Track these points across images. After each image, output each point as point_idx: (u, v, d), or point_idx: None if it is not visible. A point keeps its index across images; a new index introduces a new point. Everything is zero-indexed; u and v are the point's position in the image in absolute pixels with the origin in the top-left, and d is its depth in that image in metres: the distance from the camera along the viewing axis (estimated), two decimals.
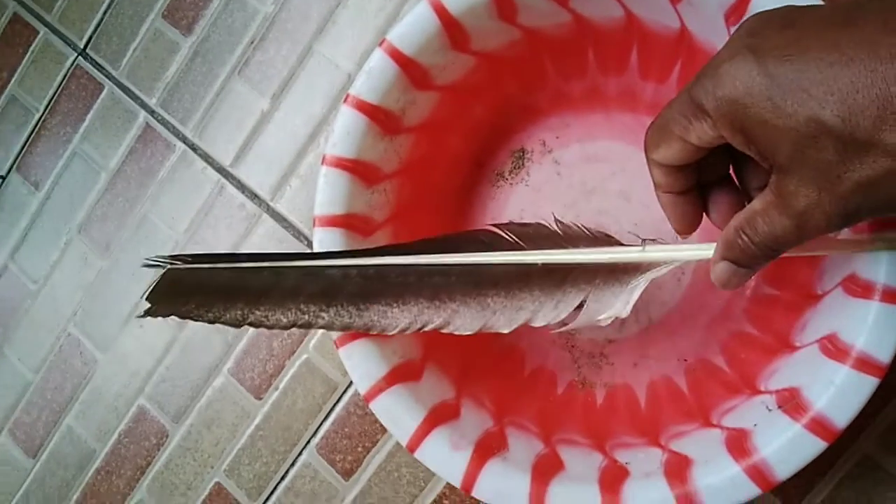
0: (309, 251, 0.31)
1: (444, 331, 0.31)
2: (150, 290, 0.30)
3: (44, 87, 0.52)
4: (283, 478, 0.45)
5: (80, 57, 0.52)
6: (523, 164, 0.40)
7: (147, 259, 0.29)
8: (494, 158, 0.41)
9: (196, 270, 0.30)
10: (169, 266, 0.30)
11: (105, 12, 0.51)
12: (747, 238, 0.23)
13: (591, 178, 0.39)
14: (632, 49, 0.36)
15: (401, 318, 0.31)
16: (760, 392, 0.31)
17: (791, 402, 0.28)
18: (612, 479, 0.30)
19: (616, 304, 0.31)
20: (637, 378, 0.37)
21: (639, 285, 0.30)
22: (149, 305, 0.30)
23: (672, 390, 0.36)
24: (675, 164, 0.26)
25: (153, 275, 0.30)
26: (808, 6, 0.22)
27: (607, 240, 0.31)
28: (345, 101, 0.33)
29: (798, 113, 0.20)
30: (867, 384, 0.27)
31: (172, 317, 0.29)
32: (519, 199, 0.40)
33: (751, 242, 0.23)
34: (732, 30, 0.31)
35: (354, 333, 0.32)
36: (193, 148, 0.48)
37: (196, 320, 0.30)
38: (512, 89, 0.39)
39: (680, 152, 0.25)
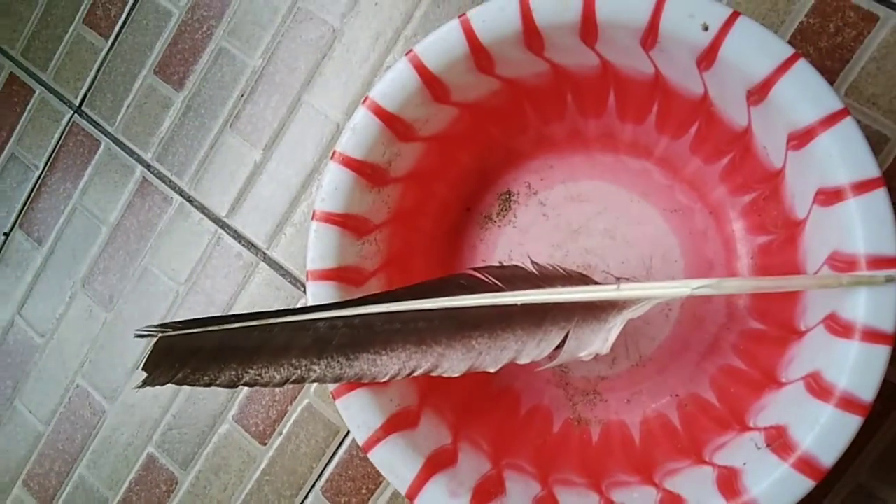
0: (295, 307, 0.32)
1: (434, 374, 0.32)
2: (144, 360, 0.30)
3: (42, 144, 0.54)
4: None
5: (76, 114, 0.53)
6: (510, 207, 0.41)
7: (138, 330, 0.30)
8: (482, 202, 0.41)
9: (187, 336, 0.31)
10: (160, 335, 0.31)
11: (98, 70, 0.52)
12: None
13: (576, 218, 0.39)
14: (609, 93, 0.36)
15: (390, 364, 0.32)
16: (750, 429, 0.32)
17: (778, 441, 0.29)
18: None
19: (596, 342, 0.31)
20: (631, 414, 0.38)
21: (616, 324, 0.31)
22: (146, 376, 0.30)
23: (665, 426, 0.36)
24: None
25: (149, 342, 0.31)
26: None
27: (582, 279, 0.32)
28: (332, 157, 0.34)
29: None
30: (852, 423, 0.27)
31: (169, 385, 0.30)
32: (507, 241, 0.41)
33: None
34: (705, 75, 0.31)
35: (350, 384, 0.33)
36: (190, 200, 0.49)
37: (192, 385, 0.31)
38: (495, 135, 0.39)
39: None
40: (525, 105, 0.38)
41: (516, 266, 0.33)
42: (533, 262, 0.33)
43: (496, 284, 0.32)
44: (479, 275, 0.32)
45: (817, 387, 0.28)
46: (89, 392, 0.51)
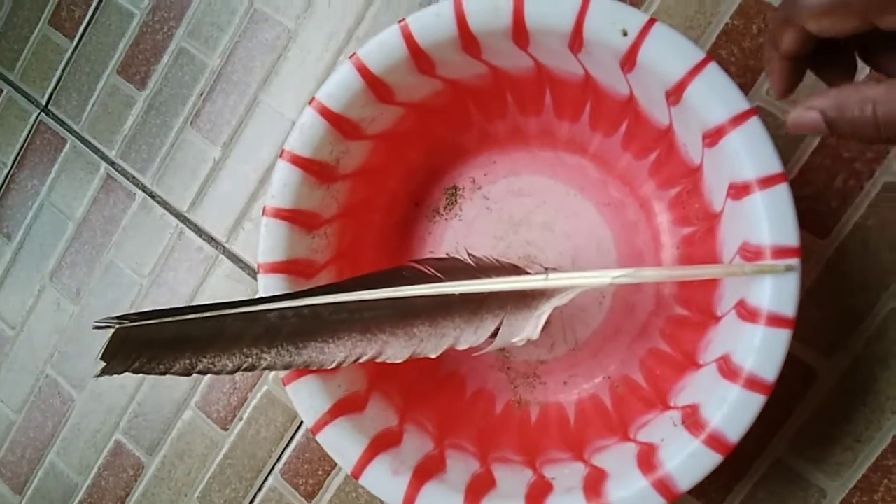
0: (247, 299, 0.33)
1: (379, 360, 0.34)
2: (102, 350, 0.32)
3: (10, 142, 0.55)
4: (251, 502, 0.48)
5: (42, 113, 0.54)
6: (456, 201, 0.43)
7: (97, 322, 0.32)
8: (430, 196, 0.43)
9: (144, 327, 0.33)
10: (118, 326, 0.32)
11: (63, 70, 0.53)
12: (874, 113, 0.22)
13: (517, 212, 0.41)
14: (545, 93, 0.38)
15: (337, 352, 0.33)
16: (670, 408, 0.34)
17: (692, 419, 0.31)
18: (538, 494, 0.32)
19: (527, 328, 0.33)
20: (567, 396, 0.40)
21: (545, 311, 0.33)
22: (104, 364, 0.32)
23: (598, 406, 0.39)
24: (833, 36, 0.23)
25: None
26: None
27: (515, 269, 0.34)
28: (280, 155, 0.36)
29: None
30: (755, 402, 0.29)
31: (126, 373, 0.32)
32: (454, 234, 0.43)
33: (875, 120, 0.22)
34: (629, 76, 0.33)
35: (299, 371, 0.34)
36: (152, 196, 0.51)
37: (149, 374, 0.32)
38: (441, 133, 0.41)
39: (856, 27, 0.22)
40: (468, 104, 0.40)
41: (455, 258, 0.35)
42: (470, 255, 0.34)
43: (436, 275, 0.34)
44: (420, 267, 0.34)
45: (727, 368, 0.30)
46: (58, 381, 0.53)
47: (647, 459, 0.31)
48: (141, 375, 0.50)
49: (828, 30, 0.23)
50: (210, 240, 0.49)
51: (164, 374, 0.33)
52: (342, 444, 0.34)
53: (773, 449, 0.38)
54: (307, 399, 0.35)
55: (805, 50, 0.25)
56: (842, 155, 0.38)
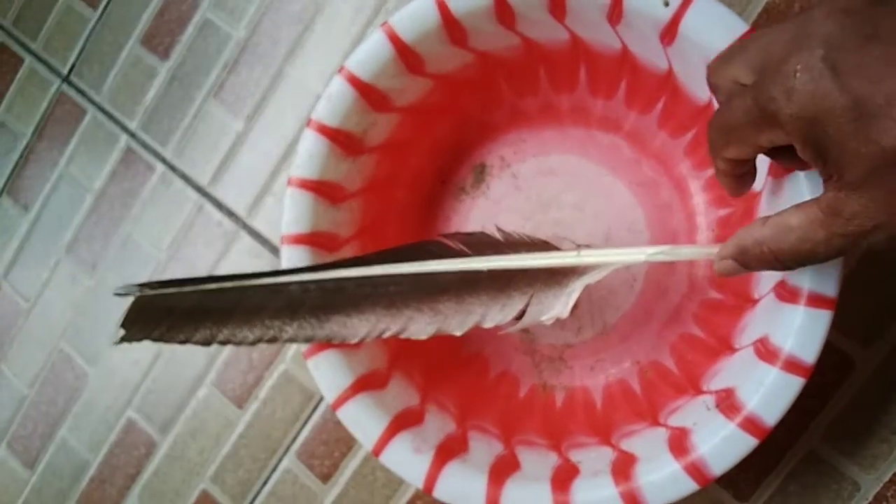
0: (270, 270, 0.32)
1: (402, 336, 0.33)
2: (122, 318, 0.31)
3: (31, 113, 0.55)
4: (265, 483, 0.47)
5: (64, 83, 0.54)
6: (484, 179, 0.42)
7: (117, 289, 0.31)
8: (456, 173, 0.42)
9: (164, 296, 0.32)
10: (138, 293, 0.32)
11: (86, 40, 0.53)
12: (768, 250, 0.24)
13: (546, 191, 0.40)
14: (580, 68, 0.37)
15: (360, 326, 0.32)
16: (703, 392, 0.33)
17: (726, 402, 0.30)
18: (564, 477, 0.32)
19: (556, 306, 0.32)
20: (594, 380, 0.39)
21: (576, 288, 0.32)
22: (123, 332, 0.31)
23: (626, 391, 0.38)
24: (743, 159, 0.26)
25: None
26: (887, 7, 0.20)
27: (545, 245, 0.33)
28: (307, 125, 0.35)
29: (884, 140, 0.19)
30: (794, 384, 0.28)
31: (146, 341, 0.31)
32: (480, 213, 0.42)
33: (772, 255, 0.24)
34: (668, 50, 0.32)
35: (321, 345, 0.34)
36: (173, 169, 0.50)
37: (168, 342, 0.32)
38: (470, 107, 0.40)
39: (751, 151, 0.24)
40: (499, 78, 0.39)
41: (483, 233, 0.34)
42: (499, 230, 0.34)
43: (464, 251, 0.33)
44: (447, 241, 0.33)
45: (765, 350, 0.29)
46: (72, 356, 0.52)
47: (678, 443, 0.30)
48: (155, 351, 0.49)
49: (735, 158, 0.25)
50: (230, 214, 0.48)
51: (183, 343, 0.32)
52: (363, 420, 0.33)
53: (807, 440, 0.37)
54: (328, 374, 0.34)
55: (737, 168, 0.27)
56: None
